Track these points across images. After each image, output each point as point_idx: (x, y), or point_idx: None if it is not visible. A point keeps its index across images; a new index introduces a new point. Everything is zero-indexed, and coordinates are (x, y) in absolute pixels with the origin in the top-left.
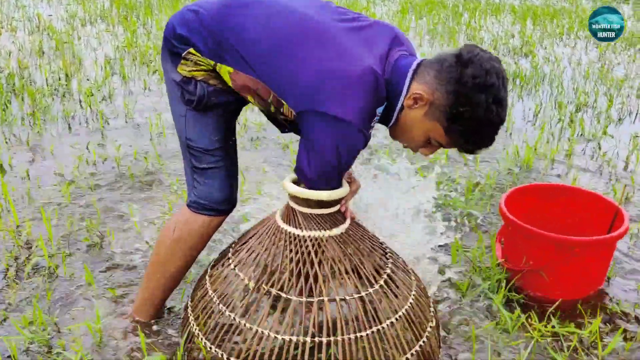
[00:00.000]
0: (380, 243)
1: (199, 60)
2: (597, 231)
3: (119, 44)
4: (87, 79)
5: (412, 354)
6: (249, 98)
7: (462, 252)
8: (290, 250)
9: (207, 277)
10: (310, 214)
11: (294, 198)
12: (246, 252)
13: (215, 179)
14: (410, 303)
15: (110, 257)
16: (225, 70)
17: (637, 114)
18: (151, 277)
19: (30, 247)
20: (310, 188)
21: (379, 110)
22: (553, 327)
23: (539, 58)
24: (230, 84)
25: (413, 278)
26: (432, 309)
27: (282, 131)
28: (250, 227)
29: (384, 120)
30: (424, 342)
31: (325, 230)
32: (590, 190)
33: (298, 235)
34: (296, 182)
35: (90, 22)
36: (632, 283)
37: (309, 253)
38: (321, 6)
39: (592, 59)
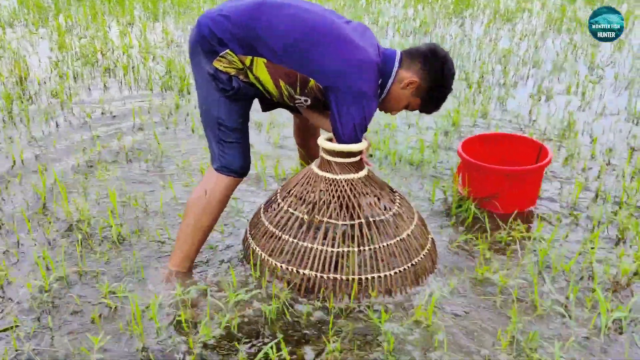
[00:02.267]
0: (386, 183)
1: (234, 60)
2: (528, 163)
3: (52, 45)
4: (44, 82)
5: (422, 255)
6: (270, 86)
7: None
8: (332, 190)
9: (262, 216)
10: (343, 162)
11: (330, 152)
12: (294, 196)
13: (238, 149)
14: (416, 223)
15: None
16: (261, 62)
17: (527, 77)
18: (187, 236)
19: (88, 222)
20: (342, 143)
21: None
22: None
23: (438, 37)
24: (265, 73)
25: (413, 205)
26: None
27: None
28: (291, 178)
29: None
30: (428, 248)
31: (355, 173)
32: (520, 134)
33: (335, 179)
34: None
35: (9, 25)
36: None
37: (345, 190)
38: (329, 11)
39: (479, 35)
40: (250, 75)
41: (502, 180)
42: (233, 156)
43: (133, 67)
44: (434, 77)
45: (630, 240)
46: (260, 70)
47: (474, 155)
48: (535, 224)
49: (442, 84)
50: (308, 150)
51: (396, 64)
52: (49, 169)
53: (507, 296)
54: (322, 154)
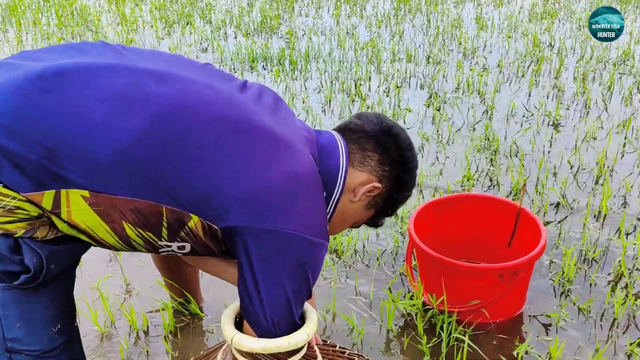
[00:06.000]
0: (345, 351)
1: (18, 205)
2: (503, 235)
3: None
4: None
5: None
6: (103, 235)
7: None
8: None
9: None
10: None
11: (253, 355)
12: None
13: None
14: None
15: None
16: (76, 197)
17: (409, 77)
18: None
19: None
20: (269, 335)
21: None
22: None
23: (292, 31)
24: (89, 215)
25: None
26: None
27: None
28: None
29: None
30: None
31: None
32: (485, 195)
33: None
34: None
35: None
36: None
37: None
38: (200, 65)
39: (332, 25)
40: (61, 224)
41: (492, 282)
42: None
43: None
44: (395, 174)
45: None
46: (79, 212)
47: (427, 232)
48: (533, 331)
49: (406, 184)
50: (179, 277)
51: (342, 161)
52: None
53: None
54: (239, 356)
